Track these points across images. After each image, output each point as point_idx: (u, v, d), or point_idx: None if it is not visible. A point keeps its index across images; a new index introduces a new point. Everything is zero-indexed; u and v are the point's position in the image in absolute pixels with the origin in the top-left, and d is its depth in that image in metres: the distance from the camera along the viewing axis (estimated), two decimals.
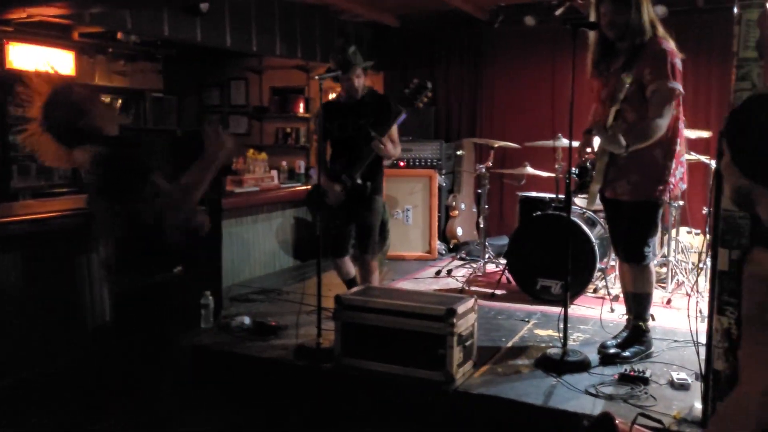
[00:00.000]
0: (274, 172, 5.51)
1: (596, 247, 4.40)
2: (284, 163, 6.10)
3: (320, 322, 3.42)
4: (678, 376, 3.10)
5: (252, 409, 3.34)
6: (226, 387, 3.46)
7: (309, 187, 5.91)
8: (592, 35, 3.33)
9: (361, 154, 3.70)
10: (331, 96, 4.48)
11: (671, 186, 3.26)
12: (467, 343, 3.20)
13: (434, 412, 3.04)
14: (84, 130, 2.20)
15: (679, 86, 3.12)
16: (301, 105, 7.57)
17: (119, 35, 6.55)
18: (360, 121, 3.79)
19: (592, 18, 3.26)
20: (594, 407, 2.83)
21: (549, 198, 5.13)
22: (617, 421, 2.18)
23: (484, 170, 5.36)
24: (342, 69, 3.69)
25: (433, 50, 7.00)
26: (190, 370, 3.37)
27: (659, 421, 1.88)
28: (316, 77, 3.56)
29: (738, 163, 1.45)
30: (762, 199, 1.43)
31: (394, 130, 3.80)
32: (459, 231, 6.45)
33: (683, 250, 4.92)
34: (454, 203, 6.50)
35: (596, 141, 3.48)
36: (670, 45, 3.15)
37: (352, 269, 4.09)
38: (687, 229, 5.27)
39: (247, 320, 3.83)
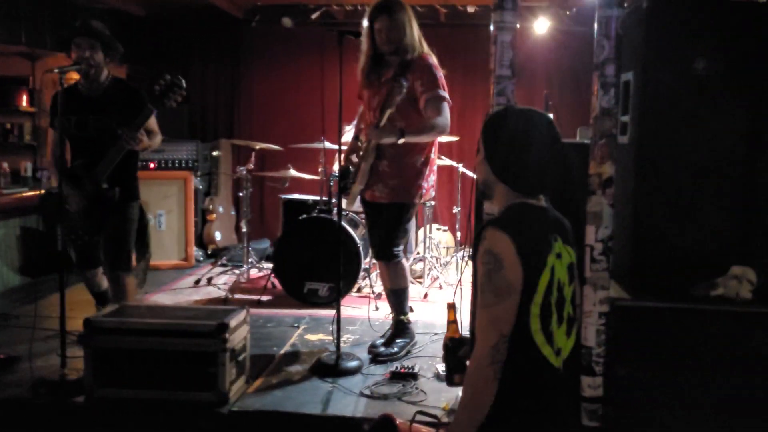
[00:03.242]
0: None
1: (361, 248, 4.51)
2: (6, 164, 5.20)
3: (64, 349, 2.94)
4: (443, 368, 3.25)
5: None
6: None
7: (40, 192, 5.14)
8: (364, 47, 3.40)
9: (107, 156, 3.24)
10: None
11: (424, 191, 3.49)
12: (240, 358, 3.01)
13: None
14: None
15: (447, 96, 3.33)
16: (25, 97, 6.54)
17: None
18: (103, 118, 3.34)
19: (364, 30, 3.35)
20: (371, 409, 2.86)
21: (312, 200, 5.15)
22: (398, 422, 2.21)
23: (245, 172, 5.18)
24: (77, 32, 3.29)
25: (187, 45, 6.58)
26: None
27: (434, 416, 1.97)
28: (56, 69, 3.02)
29: (489, 161, 1.76)
30: (497, 192, 1.78)
31: (152, 120, 3.36)
32: (217, 235, 6.17)
33: (435, 246, 5.31)
34: (211, 207, 6.19)
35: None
36: (434, 60, 3.36)
37: (104, 281, 3.61)
38: (437, 226, 5.71)
39: None
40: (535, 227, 1.70)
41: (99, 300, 3.66)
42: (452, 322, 2.16)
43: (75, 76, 3.47)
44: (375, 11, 3.32)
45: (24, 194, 4.87)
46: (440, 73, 3.34)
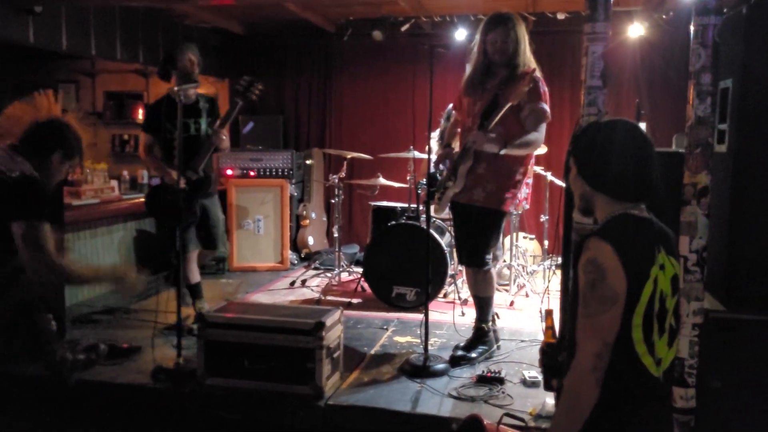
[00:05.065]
0: (115, 183, 5.11)
1: (447, 255, 4.61)
2: (126, 172, 5.67)
3: (180, 341, 3.23)
4: (529, 374, 3.32)
5: None
6: (78, 417, 3.14)
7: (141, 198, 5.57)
8: (475, 57, 3.49)
9: (200, 150, 3.85)
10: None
11: (518, 201, 3.54)
12: (335, 355, 3.20)
13: (305, 427, 2.99)
14: None
15: (549, 111, 3.38)
16: (140, 111, 7.09)
17: None
18: (198, 120, 3.98)
19: (477, 42, 3.46)
20: (458, 409, 2.95)
21: (400, 207, 5.29)
22: (486, 423, 2.28)
23: (337, 180, 5.40)
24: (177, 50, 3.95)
25: (282, 59, 6.92)
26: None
27: (522, 420, 2.01)
28: (175, 88, 3.49)
29: (583, 175, 1.79)
30: (597, 204, 1.80)
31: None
32: (310, 240, 6.44)
33: (522, 254, 5.32)
34: (305, 212, 6.47)
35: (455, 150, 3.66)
36: (540, 75, 3.40)
37: (196, 273, 4.07)
38: (523, 234, 5.71)
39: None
40: (638, 238, 1.71)
41: (193, 293, 4.03)
42: (549, 328, 2.18)
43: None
44: (493, 22, 3.39)
45: (141, 200, 5.27)
46: (545, 88, 3.38)
